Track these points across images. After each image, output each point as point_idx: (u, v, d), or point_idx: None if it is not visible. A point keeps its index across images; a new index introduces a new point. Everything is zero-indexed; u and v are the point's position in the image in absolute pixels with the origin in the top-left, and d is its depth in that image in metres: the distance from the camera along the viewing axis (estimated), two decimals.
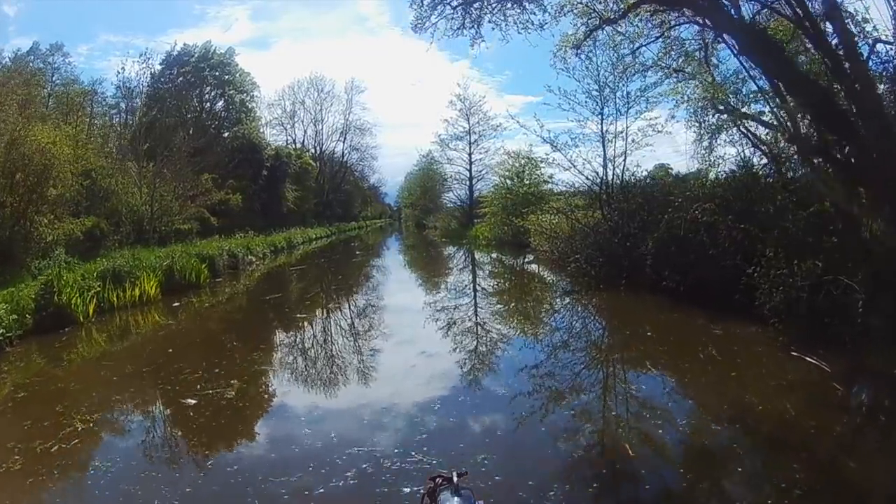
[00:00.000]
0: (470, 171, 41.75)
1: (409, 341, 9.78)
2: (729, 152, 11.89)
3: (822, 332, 8.13)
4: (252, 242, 25.26)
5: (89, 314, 12.18)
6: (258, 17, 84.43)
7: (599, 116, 15.31)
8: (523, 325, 11.27)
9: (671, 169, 17.70)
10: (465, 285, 17.10)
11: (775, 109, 10.56)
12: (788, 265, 8.87)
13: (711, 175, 11.51)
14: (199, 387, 6.84)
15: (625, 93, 15.06)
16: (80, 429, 6.06)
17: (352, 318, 12.77)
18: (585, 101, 15.37)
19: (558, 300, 13.99)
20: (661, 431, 5.43)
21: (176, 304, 13.70)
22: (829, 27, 7.46)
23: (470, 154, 41.62)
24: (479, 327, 10.96)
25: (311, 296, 16.18)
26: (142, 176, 24.37)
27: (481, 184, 41.45)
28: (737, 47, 10.13)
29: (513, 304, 13.68)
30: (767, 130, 11.81)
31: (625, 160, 15.22)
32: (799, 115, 8.61)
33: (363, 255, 32.05)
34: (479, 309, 13.03)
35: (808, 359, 7.57)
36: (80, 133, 22.91)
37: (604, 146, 15.29)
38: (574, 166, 15.09)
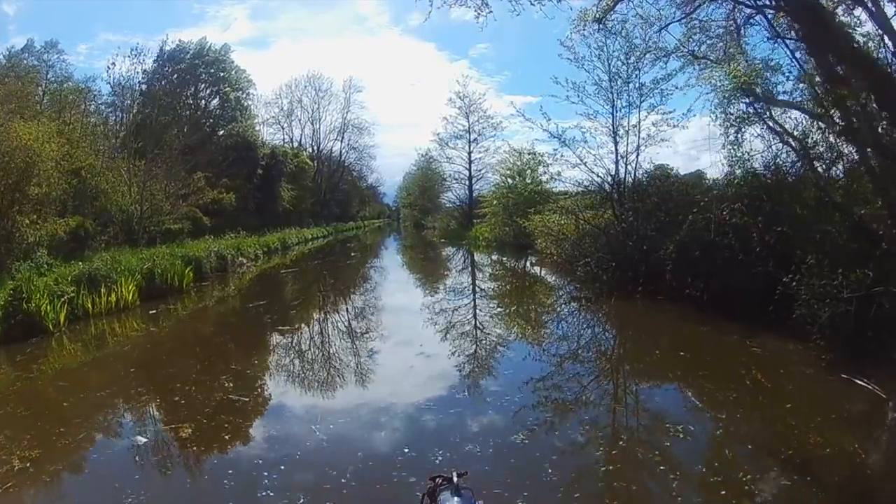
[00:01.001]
0: (469, 170, 40.79)
1: (403, 366, 8.20)
2: (755, 147, 10.82)
3: (872, 351, 7.17)
4: (243, 243, 24.18)
5: (60, 323, 11.18)
6: (257, 16, 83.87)
7: (611, 110, 14.28)
8: (532, 343, 9.90)
9: (671, 169, 16.52)
10: (466, 291, 16.03)
11: (810, 100, 9.55)
12: (832, 274, 7.89)
13: (738, 172, 10.42)
14: (154, 419, 5.81)
15: (638, 84, 14.02)
16: (16, 468, 5.07)
17: (340, 332, 11.35)
18: (596, 93, 14.32)
19: (568, 309, 12.87)
20: (723, 492, 4.27)
21: (153, 311, 12.65)
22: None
23: (469, 153, 40.67)
24: (480, 342, 9.93)
25: (299, 303, 15.10)
26: (132, 174, 23.50)
27: (481, 183, 40.55)
28: (772, 28, 9.15)
29: (518, 318, 12.38)
30: (798, 123, 10.77)
31: (637, 157, 14.20)
32: (850, 103, 7.59)
33: (359, 256, 30.94)
34: (480, 320, 11.90)
35: (859, 382, 6.60)
36: (74, 132, 22.22)
37: (615, 141, 14.25)
38: (583, 163, 14.04)
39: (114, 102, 31.34)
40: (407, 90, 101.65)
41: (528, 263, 22.36)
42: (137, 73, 31.87)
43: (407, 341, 9.72)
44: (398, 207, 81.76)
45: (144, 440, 5.27)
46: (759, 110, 11.23)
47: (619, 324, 11.08)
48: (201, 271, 17.19)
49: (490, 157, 38.32)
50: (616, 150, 14.19)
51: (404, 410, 6.24)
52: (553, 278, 17.19)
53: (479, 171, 40.23)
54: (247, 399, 6.49)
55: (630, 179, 14.06)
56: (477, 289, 16.24)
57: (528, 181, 26.66)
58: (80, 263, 14.23)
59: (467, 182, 41.13)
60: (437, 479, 2.63)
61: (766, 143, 11.24)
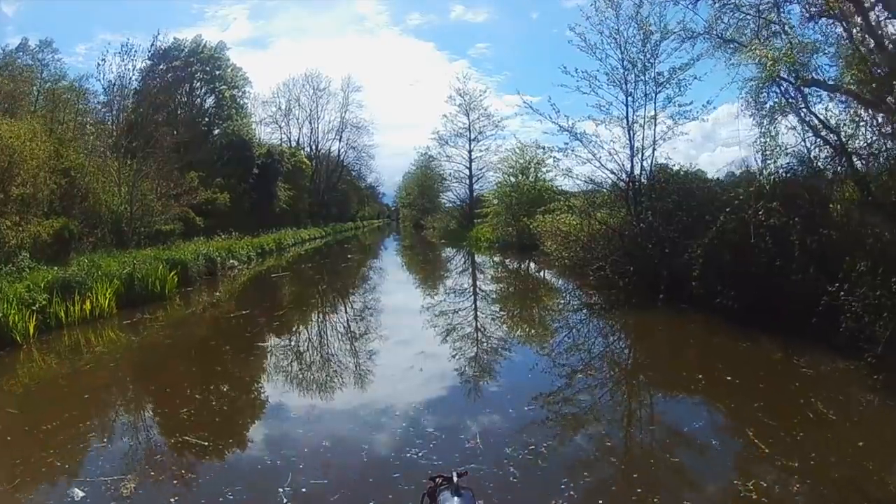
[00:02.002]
0: (470, 168, 39.74)
1: (397, 392, 7.07)
2: (787, 142, 9.84)
3: None
4: (235, 245, 23.16)
5: (30, 334, 10.22)
6: (256, 16, 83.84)
7: (625, 101, 13.25)
8: (551, 363, 8.32)
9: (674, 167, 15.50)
10: (468, 298, 14.99)
11: (855, 85, 8.58)
12: (886, 284, 6.94)
13: (773, 167, 9.44)
14: (97, 466, 4.82)
15: (654, 74, 12.99)
16: None
17: (325, 352, 9.72)
18: (609, 83, 13.29)
19: (581, 318, 11.64)
20: None
21: (127, 321, 11.65)
22: None
23: (470, 151, 39.64)
24: (492, 364, 8.73)
25: (283, 313, 13.51)
26: (121, 173, 22.65)
27: (481, 183, 39.57)
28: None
29: (527, 329, 11.24)
30: (833, 114, 9.81)
31: (653, 152, 13.19)
32: None
33: (356, 257, 29.85)
34: (488, 334, 10.78)
35: None
36: (67, 131, 21.79)
37: (630, 135, 13.21)
38: (596, 158, 13.00)
39: (107, 101, 30.63)
40: (406, 90, 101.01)
41: (532, 266, 21.40)
42: (129, 69, 30.98)
43: (403, 362, 8.23)
44: (397, 207, 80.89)
45: (82, 494, 4.27)
46: (792, 100, 10.28)
47: (641, 336, 9.94)
48: (187, 276, 16.18)
49: (491, 156, 37.39)
50: (631, 144, 13.19)
51: (400, 455, 5.08)
52: (561, 282, 16.10)
53: (480, 169, 39.30)
54: (206, 443, 5.33)
55: (645, 176, 13.04)
56: (482, 298, 14.96)
57: (532, 179, 25.70)
58: (55, 269, 13.30)
59: (467, 181, 40.13)
60: (437, 479, 2.55)
61: (798, 136, 10.30)
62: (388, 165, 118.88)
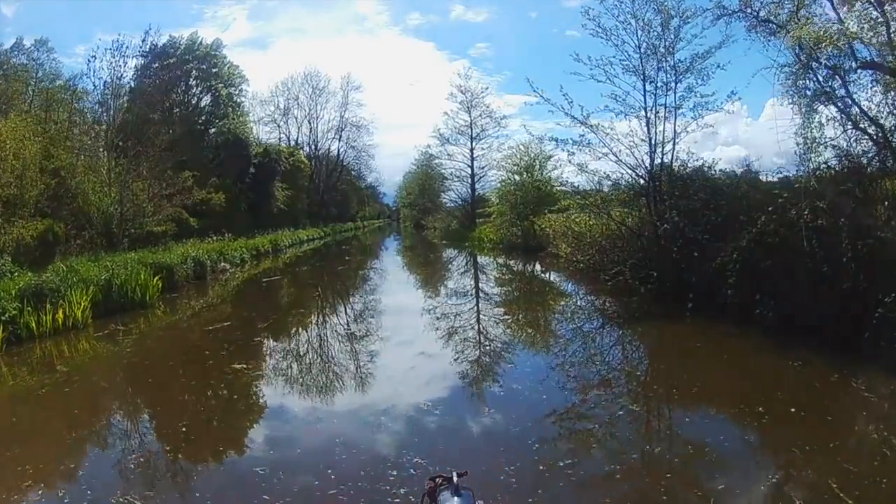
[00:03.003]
0: (472, 167, 38.68)
1: (392, 427, 5.78)
2: (826, 135, 8.88)
3: None
4: (227, 247, 22.19)
5: None
6: (255, 16, 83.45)
7: (642, 90, 12.23)
8: (568, 387, 7.05)
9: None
10: (471, 303, 13.92)
11: None
12: None
13: (816, 163, 8.49)
14: None
15: (675, 61, 11.99)
16: None
17: (307, 376, 8.15)
18: (625, 71, 12.29)
19: (604, 328, 10.44)
20: None
21: (101, 333, 10.69)
22: None
23: (472, 149, 38.56)
24: (490, 377, 7.73)
25: (267, 325, 11.57)
26: (110, 172, 21.85)
27: (483, 182, 38.53)
28: None
29: (540, 338, 10.07)
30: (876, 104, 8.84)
31: (674, 146, 12.17)
32: None
33: (354, 259, 28.81)
34: (492, 345, 9.69)
35: None
36: (61, 131, 21.25)
37: (648, 127, 12.20)
38: (612, 152, 11.97)
39: (99, 99, 29.87)
40: (406, 90, 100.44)
41: (538, 268, 20.41)
42: (120, 66, 30.11)
43: (401, 388, 7.12)
44: (398, 208, 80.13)
45: None
46: (828, 89, 9.31)
47: (673, 351, 8.66)
48: (173, 280, 15.23)
49: (494, 153, 36.34)
50: (650, 137, 12.17)
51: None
52: (572, 287, 14.89)
53: (482, 168, 38.25)
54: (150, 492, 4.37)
55: (666, 172, 12.01)
56: (490, 304, 13.70)
57: (538, 177, 24.70)
58: (29, 275, 12.39)
59: (469, 180, 39.09)
60: (437, 479, 2.48)
61: (836, 128, 9.33)
62: (389, 165, 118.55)
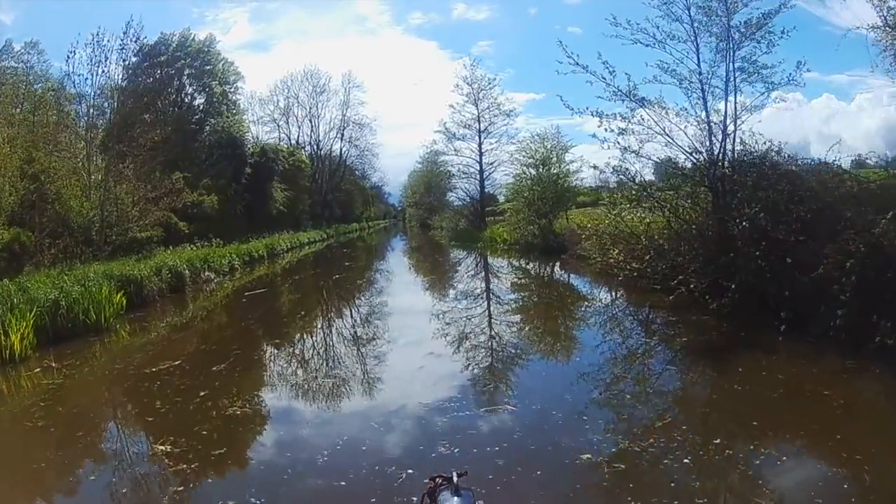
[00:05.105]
0: (480, 163, 36.31)
1: None
2: None
3: None
4: (213, 253, 20.07)
5: None
6: (256, 19, 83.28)
7: (696, 59, 9.99)
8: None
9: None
10: (495, 325, 11.21)
11: None
12: None
13: None
14: None
15: (735, 22, 9.74)
16: None
17: (263, 468, 4.90)
18: (674, 38, 10.04)
19: (680, 360, 7.64)
20: None
21: (39, 369, 8.50)
22: None
23: (480, 144, 36.20)
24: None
25: (225, 367, 7.95)
26: (90, 175, 20.12)
27: (492, 179, 36.29)
28: None
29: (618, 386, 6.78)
30: None
31: (736, 126, 9.86)
32: None
33: (355, 265, 26.46)
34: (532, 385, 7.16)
35: None
36: (48, 133, 19.58)
37: (705, 103, 9.94)
38: (665, 133, 9.71)
39: (77, 92, 28.08)
40: (409, 90, 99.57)
41: (559, 271, 18.13)
42: (101, 60, 28.20)
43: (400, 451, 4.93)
44: (403, 207, 78.46)
45: None
46: None
47: (781, 399, 5.83)
48: (142, 295, 13.09)
49: (504, 147, 34.04)
50: (708, 115, 9.90)
51: None
52: (620, 300, 12.09)
53: (491, 164, 35.90)
54: None
55: (729, 158, 9.72)
56: (524, 326, 10.66)
57: (555, 171, 22.44)
58: None
59: (478, 176, 36.72)
60: (437, 479, 2.42)
61: None
62: (393, 166, 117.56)
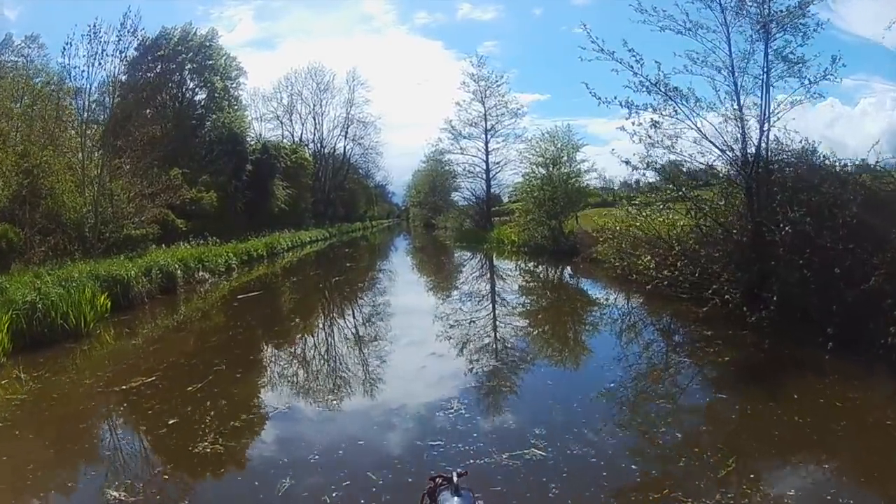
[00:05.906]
0: (486, 162, 35.47)
1: None
2: None
3: None
4: (208, 252, 19.30)
5: None
6: (261, 17, 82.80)
7: (727, 50, 9.13)
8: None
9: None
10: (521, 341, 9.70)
11: None
12: None
13: None
14: None
15: (769, 10, 8.89)
16: None
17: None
18: (701, 28, 9.19)
19: (719, 382, 6.62)
20: None
21: (5, 381, 7.71)
22: None
23: (486, 142, 35.37)
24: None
25: (202, 386, 6.84)
26: (85, 170, 19.51)
27: (499, 179, 35.52)
28: None
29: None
30: None
31: (769, 124, 8.99)
32: None
33: (356, 266, 25.62)
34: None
35: None
36: (46, 127, 18.91)
37: (738, 98, 9.08)
38: (696, 128, 8.83)
39: (73, 87, 27.48)
40: (414, 89, 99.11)
41: (573, 276, 17.29)
42: (99, 53, 27.56)
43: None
44: (407, 207, 77.87)
45: None
46: None
47: (839, 433, 5.00)
48: (129, 297, 12.30)
49: (511, 145, 33.24)
50: (741, 111, 9.04)
51: None
52: (646, 311, 10.56)
53: (498, 163, 35.07)
54: None
55: (763, 158, 8.84)
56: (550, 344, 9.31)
57: (566, 170, 21.60)
58: None
59: (484, 176, 35.89)
60: (437, 479, 2.40)
61: None
62: (397, 165, 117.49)
